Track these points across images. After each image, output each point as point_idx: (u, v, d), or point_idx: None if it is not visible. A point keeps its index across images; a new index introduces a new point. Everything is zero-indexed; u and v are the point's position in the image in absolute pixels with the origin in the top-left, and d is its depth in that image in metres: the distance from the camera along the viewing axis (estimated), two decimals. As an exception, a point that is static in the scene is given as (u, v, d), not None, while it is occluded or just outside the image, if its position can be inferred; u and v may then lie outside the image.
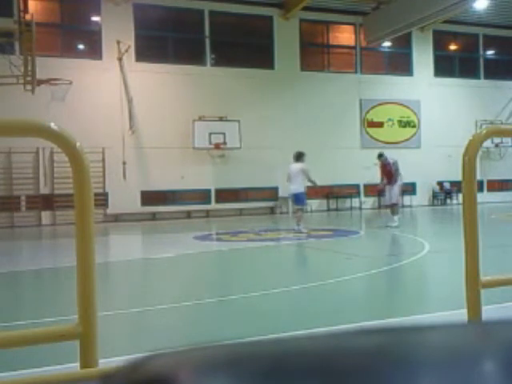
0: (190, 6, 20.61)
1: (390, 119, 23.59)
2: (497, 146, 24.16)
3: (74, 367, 1.89)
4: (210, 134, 20.13)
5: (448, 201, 23.91)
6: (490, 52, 25.90)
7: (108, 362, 2.03)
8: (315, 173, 21.87)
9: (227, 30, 21.25)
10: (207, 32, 21.03)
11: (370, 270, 7.62)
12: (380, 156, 14.83)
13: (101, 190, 18.37)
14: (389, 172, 14.13)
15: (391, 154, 15.43)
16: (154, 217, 19.68)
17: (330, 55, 23.10)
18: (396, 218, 13.71)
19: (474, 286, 2.24)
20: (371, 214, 20.32)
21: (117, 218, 19.04)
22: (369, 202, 23.06)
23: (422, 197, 23.85)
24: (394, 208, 13.92)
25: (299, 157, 13.46)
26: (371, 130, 23.25)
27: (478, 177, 2.53)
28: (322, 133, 22.00)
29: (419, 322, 0.46)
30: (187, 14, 20.82)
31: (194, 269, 8.80)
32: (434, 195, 24.04)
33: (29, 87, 15.62)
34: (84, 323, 1.62)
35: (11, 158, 17.93)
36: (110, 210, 19.02)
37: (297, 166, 13.28)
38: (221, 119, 20.54)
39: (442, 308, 5.15)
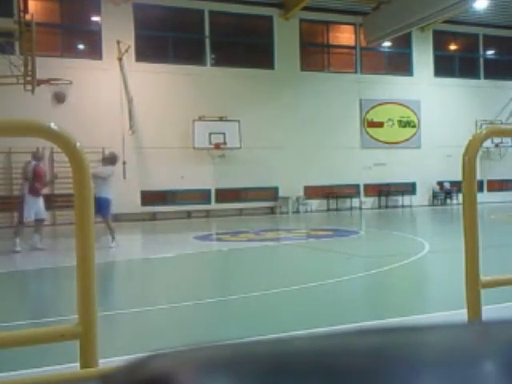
0: (190, 6, 20.60)
1: (389, 119, 23.58)
2: (497, 146, 24.16)
3: (74, 367, 1.89)
4: (210, 134, 20.13)
5: (448, 201, 23.91)
6: (490, 52, 25.89)
7: (108, 361, 2.03)
8: (315, 172, 22.02)
9: (227, 29, 21.24)
10: (207, 32, 21.02)
11: (369, 270, 7.62)
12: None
13: (101, 190, 18.34)
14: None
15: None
16: (154, 217, 19.67)
17: (330, 55, 23.09)
18: None
19: (474, 286, 2.24)
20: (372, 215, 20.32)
21: (117, 218, 19.00)
22: (369, 201, 23.06)
23: (421, 197, 23.85)
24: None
25: (114, 159, 11.35)
26: (371, 130, 23.25)
27: (478, 177, 2.53)
28: (322, 133, 22.00)
29: (419, 322, 0.46)
30: (187, 14, 20.82)
31: (194, 269, 8.81)
32: (434, 195, 24.04)
33: (29, 87, 15.61)
34: (84, 323, 1.62)
35: (11, 158, 17.92)
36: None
37: (111, 168, 11.22)
38: (221, 119, 20.54)
39: (442, 308, 5.15)
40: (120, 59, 19.39)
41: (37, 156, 11.20)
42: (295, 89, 21.73)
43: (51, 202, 18.37)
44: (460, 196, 17.91)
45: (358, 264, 8.41)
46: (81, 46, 20.04)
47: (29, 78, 15.21)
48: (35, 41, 14.53)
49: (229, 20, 21.15)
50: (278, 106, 21.36)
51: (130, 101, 19.41)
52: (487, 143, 21.67)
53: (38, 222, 11.23)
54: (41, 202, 11.06)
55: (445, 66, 24.76)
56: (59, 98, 10.97)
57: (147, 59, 19.94)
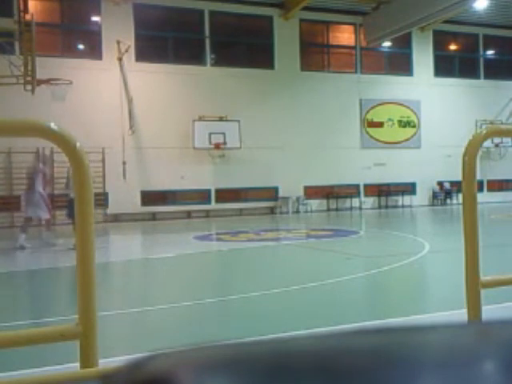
0: (190, 6, 20.60)
1: (389, 119, 23.59)
2: (497, 146, 24.16)
3: (74, 367, 1.89)
4: (210, 134, 20.13)
5: (448, 201, 23.92)
6: (490, 52, 25.89)
7: (108, 362, 2.03)
8: (315, 172, 22.03)
9: (227, 30, 21.24)
10: (207, 32, 21.02)
11: (369, 270, 7.63)
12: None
13: (101, 190, 18.36)
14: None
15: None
16: (153, 217, 19.67)
17: (330, 55, 23.09)
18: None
19: (474, 285, 2.24)
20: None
21: (117, 218, 19.03)
22: (369, 202, 23.06)
23: (421, 197, 23.85)
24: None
25: None
26: (371, 130, 23.26)
27: (478, 177, 2.53)
28: (322, 133, 22.00)
29: (419, 322, 0.46)
30: (187, 14, 20.82)
31: (194, 269, 8.80)
32: (434, 195, 24.04)
33: (29, 87, 15.61)
34: (84, 323, 1.62)
35: (11, 158, 17.92)
36: (110, 210, 19.02)
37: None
38: (221, 119, 20.54)
39: (442, 308, 5.15)
40: (120, 59, 19.39)
41: (45, 159, 11.65)
42: (295, 89, 21.73)
43: (51, 202, 18.35)
44: (460, 196, 17.90)
45: (358, 264, 8.41)
46: (81, 46, 20.03)
47: (29, 78, 15.20)
48: (35, 41, 14.53)
49: (229, 20, 21.15)
50: (278, 106, 21.36)
51: (130, 101, 19.41)
52: (487, 143, 21.67)
53: (31, 221, 11.40)
54: None
55: (445, 66, 24.76)
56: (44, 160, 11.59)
57: (147, 59, 19.94)
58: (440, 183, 24.02)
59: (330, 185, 22.29)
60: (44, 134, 1.60)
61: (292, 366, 0.37)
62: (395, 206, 23.10)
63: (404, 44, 23.97)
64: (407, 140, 23.92)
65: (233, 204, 20.81)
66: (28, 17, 14.99)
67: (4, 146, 17.76)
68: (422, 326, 0.44)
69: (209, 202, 20.74)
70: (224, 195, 20.80)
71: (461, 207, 2.36)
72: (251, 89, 21.08)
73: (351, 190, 22.67)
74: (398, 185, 23.32)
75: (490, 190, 24.36)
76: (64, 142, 1.58)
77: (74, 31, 19.74)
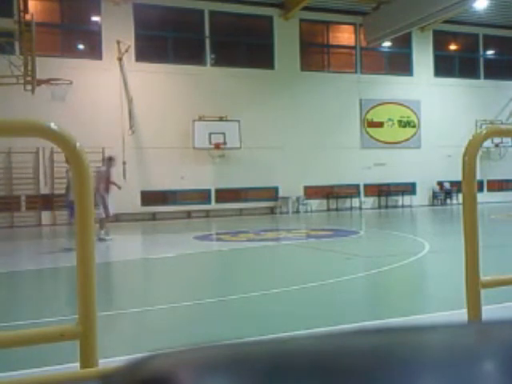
0: (190, 6, 20.61)
1: (390, 119, 23.59)
2: (497, 146, 24.16)
3: (74, 367, 1.90)
4: (210, 134, 20.13)
5: (448, 201, 23.92)
6: (490, 52, 25.89)
7: (108, 362, 2.03)
8: (315, 172, 22.03)
9: (227, 29, 21.24)
10: (207, 32, 21.02)
11: (369, 270, 7.62)
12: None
13: (101, 190, 18.33)
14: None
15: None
16: (153, 217, 19.67)
17: (330, 55, 23.10)
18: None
19: (474, 285, 2.24)
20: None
21: (117, 218, 19.00)
22: (369, 202, 23.07)
23: (421, 197, 23.85)
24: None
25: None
26: (371, 130, 23.26)
27: (478, 177, 2.53)
28: (321, 133, 22.00)
29: (419, 322, 0.47)
30: (187, 14, 20.82)
31: (194, 269, 8.81)
32: (434, 195, 24.05)
33: (29, 87, 15.62)
34: (84, 323, 1.62)
35: (11, 158, 17.93)
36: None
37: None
38: (221, 119, 20.55)
39: (442, 308, 5.15)
40: (120, 59, 19.39)
41: (110, 163, 12.63)
42: (295, 89, 21.73)
43: (51, 202, 18.37)
44: (460, 196, 17.89)
45: (358, 264, 8.41)
46: (81, 46, 20.04)
47: (29, 78, 15.21)
48: (35, 41, 14.54)
49: (229, 20, 21.15)
50: (278, 105, 21.37)
51: (130, 101, 19.42)
52: (487, 143, 21.67)
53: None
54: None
55: (445, 66, 24.76)
56: None
57: (147, 59, 19.94)
58: (440, 183, 24.02)
59: (329, 185, 22.30)
60: (44, 134, 1.60)
61: (292, 366, 0.37)
62: (395, 206, 23.10)
63: (404, 44, 23.98)
64: (407, 140, 23.93)
65: (233, 204, 20.81)
66: (28, 17, 15.00)
67: (4, 146, 17.77)
68: (422, 326, 0.44)
69: (209, 201, 20.74)
70: (224, 195, 20.80)
71: (461, 207, 2.36)
72: (251, 89, 21.09)
73: (351, 190, 22.67)
74: (398, 185, 23.33)
75: (489, 189, 24.37)
76: (64, 142, 1.58)
77: (73, 31, 19.74)
